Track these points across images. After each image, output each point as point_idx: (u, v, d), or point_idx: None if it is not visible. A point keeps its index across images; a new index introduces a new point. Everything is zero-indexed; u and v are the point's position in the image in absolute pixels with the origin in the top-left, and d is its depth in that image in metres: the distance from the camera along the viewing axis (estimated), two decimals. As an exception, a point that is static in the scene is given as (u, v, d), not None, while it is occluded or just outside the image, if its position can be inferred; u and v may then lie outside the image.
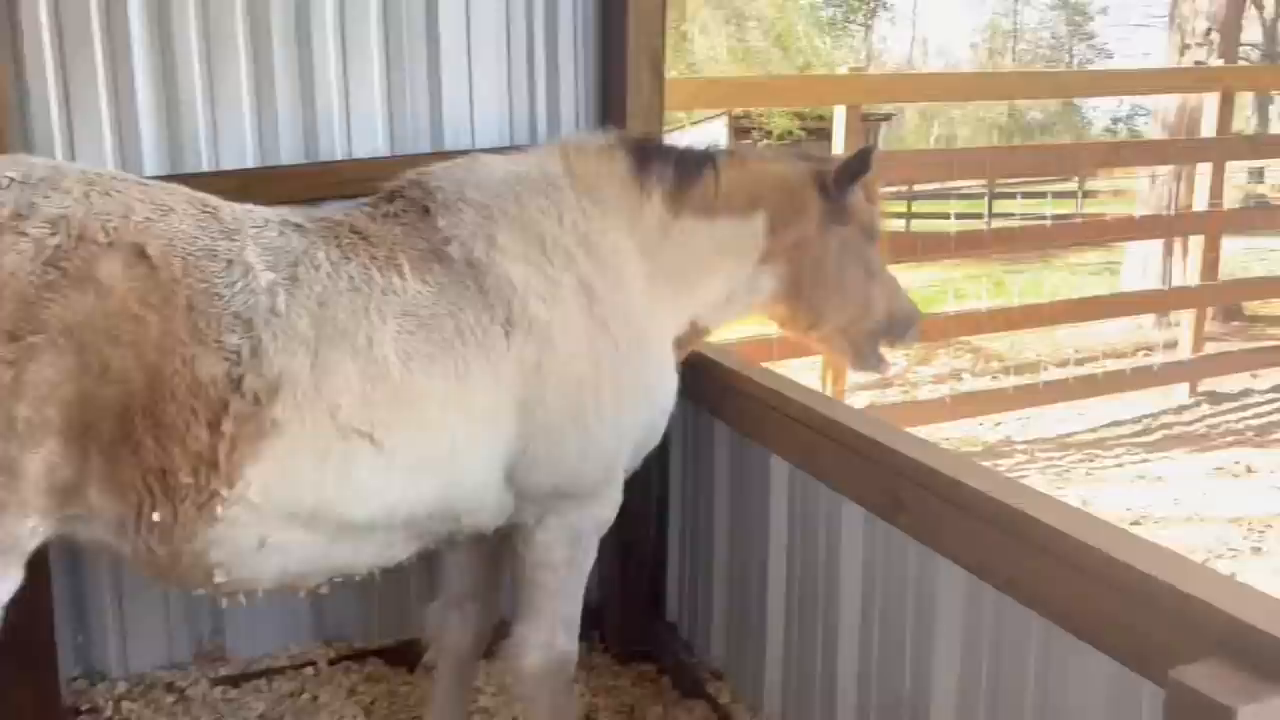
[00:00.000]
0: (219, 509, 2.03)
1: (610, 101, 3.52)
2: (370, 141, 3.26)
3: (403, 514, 2.30)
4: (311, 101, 3.18)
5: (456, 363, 2.30)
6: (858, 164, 2.85)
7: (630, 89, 3.42)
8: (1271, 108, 29.17)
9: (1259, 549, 5.13)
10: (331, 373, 2.13)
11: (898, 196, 27.70)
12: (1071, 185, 23.82)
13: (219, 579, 2.16)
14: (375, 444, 2.18)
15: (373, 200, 2.54)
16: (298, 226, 2.30)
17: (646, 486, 3.32)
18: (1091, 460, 6.79)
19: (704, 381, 3.11)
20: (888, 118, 27.16)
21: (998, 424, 7.74)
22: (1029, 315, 7.28)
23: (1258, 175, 23.38)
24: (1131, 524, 5.51)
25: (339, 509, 2.19)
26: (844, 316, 2.99)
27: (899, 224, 25.21)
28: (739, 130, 23.98)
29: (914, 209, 26.40)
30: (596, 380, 2.52)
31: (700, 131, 26.72)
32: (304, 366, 2.08)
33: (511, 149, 2.94)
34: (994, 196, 25.27)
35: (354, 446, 2.17)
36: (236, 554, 2.13)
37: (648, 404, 2.68)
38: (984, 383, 9.04)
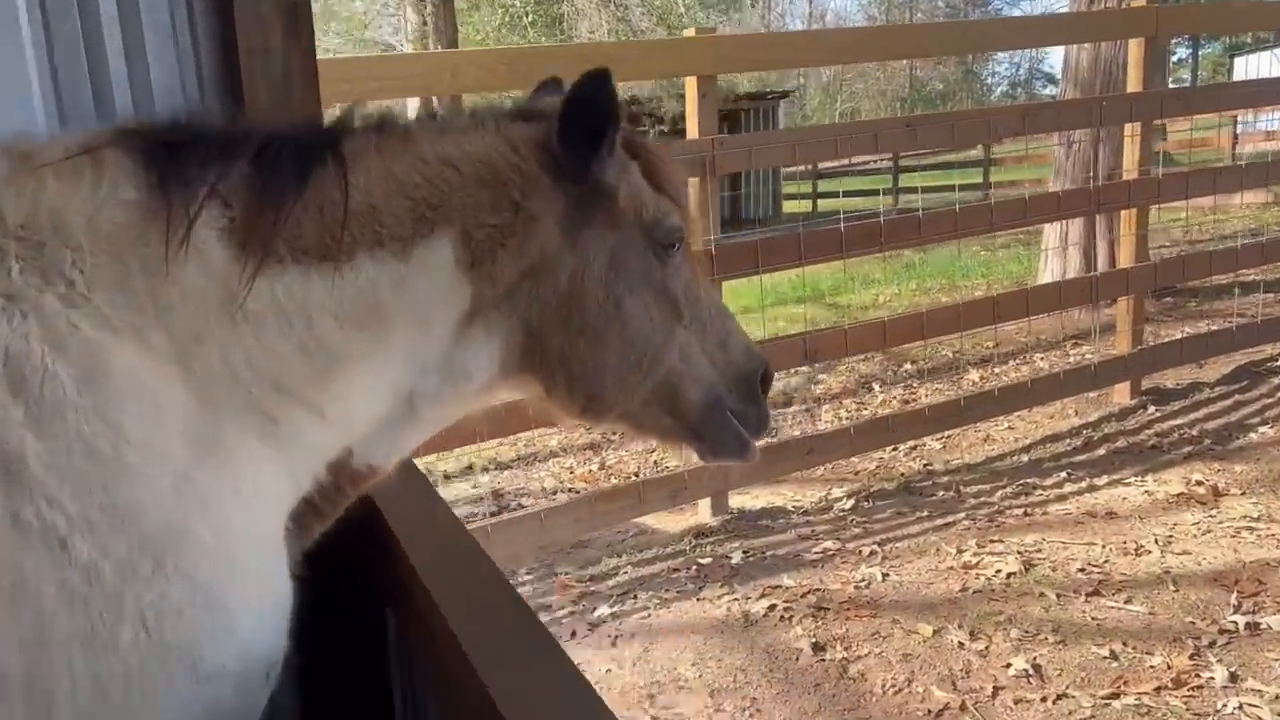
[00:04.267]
0: None
1: (233, 79, 2.11)
2: None
3: None
4: None
5: None
6: (584, 103, 1.56)
7: (246, 58, 2.01)
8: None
9: (1257, 626, 3.91)
10: None
11: (802, 177, 26.80)
12: (978, 154, 23.04)
13: None
14: None
15: None
16: None
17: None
18: (1028, 493, 5.57)
19: (408, 630, 1.74)
20: (786, 94, 26.09)
21: (914, 446, 6.51)
22: (946, 318, 6.02)
23: (1159, 132, 22.80)
24: (1089, 594, 4.28)
25: None
26: (637, 383, 1.73)
27: (804, 204, 24.24)
28: (630, 118, 22.61)
29: (819, 189, 25.52)
30: (34, 666, 1.17)
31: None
32: None
33: None
34: (899, 170, 24.45)
35: None
36: None
37: (189, 677, 1.30)
38: (897, 393, 7.82)
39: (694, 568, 4.87)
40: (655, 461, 6.69)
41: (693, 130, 5.13)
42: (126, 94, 1.99)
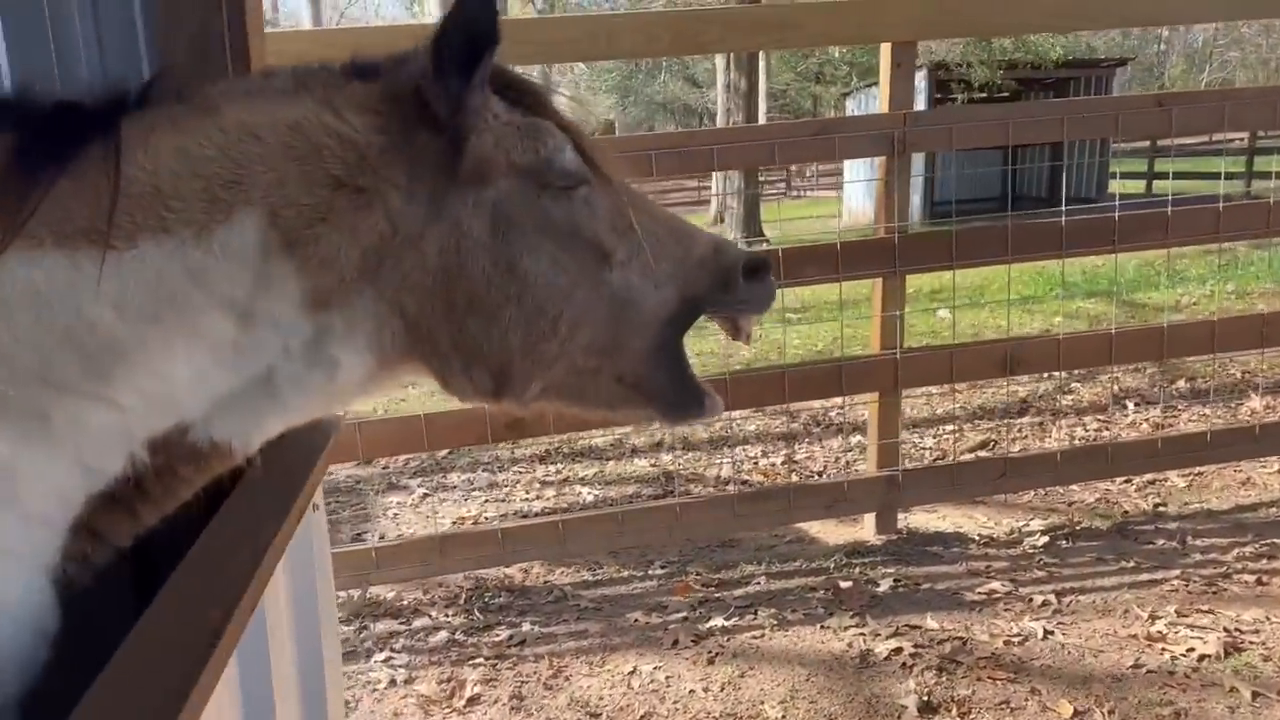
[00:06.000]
0: None
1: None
2: None
3: None
4: None
5: None
6: (462, 26, 1.36)
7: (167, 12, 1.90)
8: None
9: None
10: None
11: (1147, 154, 24.05)
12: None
13: None
14: None
15: None
16: None
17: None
18: (1272, 555, 4.58)
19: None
20: (1123, 62, 23.44)
21: (1151, 481, 5.57)
22: (1197, 335, 5.06)
23: None
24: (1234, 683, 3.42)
25: None
26: (556, 352, 1.52)
27: (1136, 185, 21.70)
28: (939, 85, 21.24)
29: (1157, 168, 22.83)
30: None
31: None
32: None
33: None
34: (1256, 152, 21.40)
35: None
36: None
37: None
38: (1154, 414, 6.76)
39: (831, 590, 4.42)
40: (847, 463, 6.19)
41: (884, 103, 4.58)
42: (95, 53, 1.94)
